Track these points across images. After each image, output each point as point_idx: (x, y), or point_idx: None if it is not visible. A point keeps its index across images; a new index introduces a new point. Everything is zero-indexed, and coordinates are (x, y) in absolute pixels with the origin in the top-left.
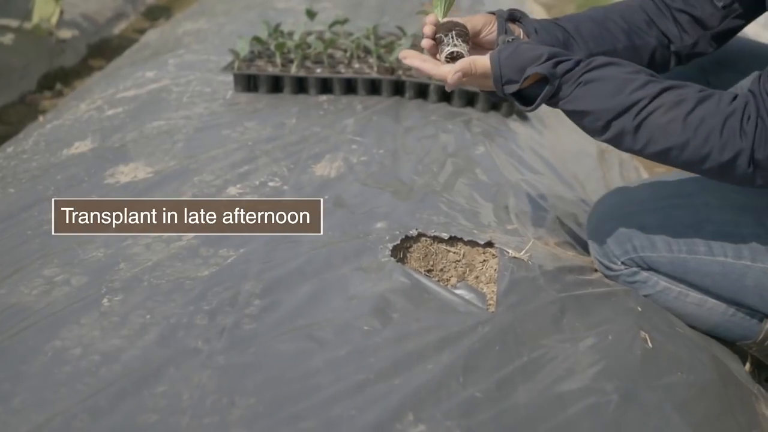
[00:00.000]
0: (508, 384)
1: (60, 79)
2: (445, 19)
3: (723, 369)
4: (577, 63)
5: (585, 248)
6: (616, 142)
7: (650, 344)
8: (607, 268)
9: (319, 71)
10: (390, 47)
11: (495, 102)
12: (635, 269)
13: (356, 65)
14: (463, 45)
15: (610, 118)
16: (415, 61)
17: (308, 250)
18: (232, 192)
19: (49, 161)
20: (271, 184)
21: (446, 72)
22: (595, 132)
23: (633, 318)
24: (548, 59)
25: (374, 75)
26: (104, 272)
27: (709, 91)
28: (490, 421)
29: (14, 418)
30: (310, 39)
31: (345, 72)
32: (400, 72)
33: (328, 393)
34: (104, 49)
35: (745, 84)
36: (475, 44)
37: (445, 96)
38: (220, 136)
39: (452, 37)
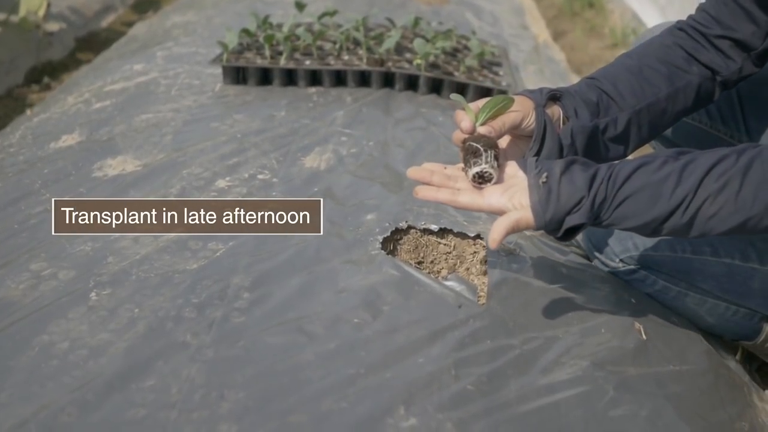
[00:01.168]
0: (500, 376)
1: (48, 72)
2: (481, 130)
3: (715, 360)
4: (608, 180)
5: (576, 239)
6: (674, 236)
7: (644, 336)
8: (604, 264)
9: (308, 63)
10: (379, 39)
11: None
12: (633, 267)
13: (346, 57)
14: (497, 167)
15: (657, 225)
16: (443, 195)
17: (298, 243)
18: (221, 185)
19: (37, 155)
20: (260, 176)
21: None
22: (648, 236)
23: (626, 309)
24: (588, 194)
25: (364, 67)
26: (92, 266)
27: (749, 156)
28: (482, 414)
29: (1, 412)
30: (299, 31)
31: (334, 64)
32: (389, 64)
33: (319, 387)
34: (92, 42)
35: None
36: (515, 136)
37: (434, 88)
38: (208, 129)
39: (491, 157)
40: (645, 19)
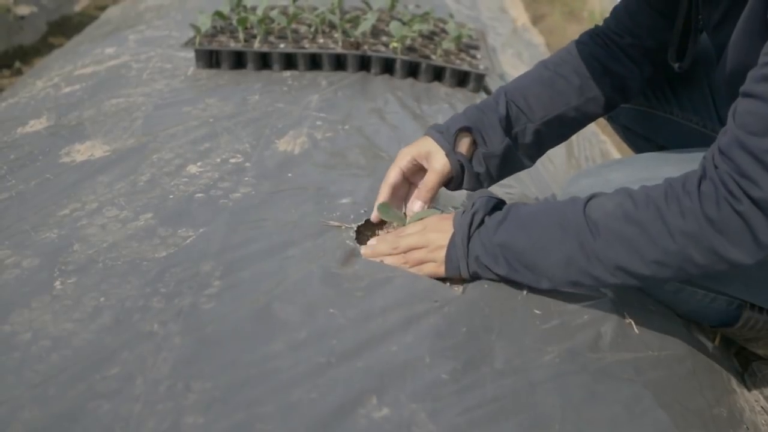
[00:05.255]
0: (475, 364)
1: (19, 57)
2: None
3: (693, 346)
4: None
5: None
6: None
7: (636, 330)
8: None
9: (282, 46)
10: (355, 22)
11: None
12: None
13: (321, 40)
14: None
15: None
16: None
17: (270, 231)
18: (193, 170)
19: (2, 140)
20: (232, 160)
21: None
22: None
23: (606, 295)
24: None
25: (339, 50)
26: (57, 254)
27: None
28: (457, 403)
29: None
30: (274, 13)
31: (309, 47)
32: (365, 47)
33: (288, 376)
34: (65, 26)
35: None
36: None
37: (411, 71)
38: (180, 113)
39: None
40: None
